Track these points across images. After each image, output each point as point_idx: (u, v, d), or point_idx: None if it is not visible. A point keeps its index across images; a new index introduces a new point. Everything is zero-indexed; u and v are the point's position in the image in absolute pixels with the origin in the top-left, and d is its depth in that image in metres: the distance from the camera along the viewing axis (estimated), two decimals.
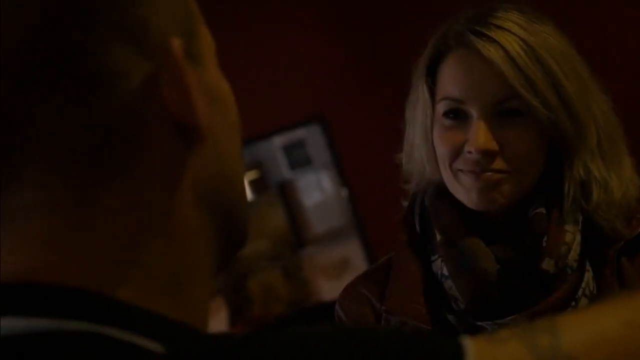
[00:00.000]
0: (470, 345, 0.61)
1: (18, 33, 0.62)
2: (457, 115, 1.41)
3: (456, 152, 1.40)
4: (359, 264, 5.56)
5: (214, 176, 0.73)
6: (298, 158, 8.22)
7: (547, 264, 1.39)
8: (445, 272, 1.44)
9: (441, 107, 1.42)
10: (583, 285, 1.41)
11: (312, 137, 6.04)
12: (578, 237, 1.42)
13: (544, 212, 1.41)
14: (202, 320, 0.71)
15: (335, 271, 5.73)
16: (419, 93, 1.47)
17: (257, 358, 0.59)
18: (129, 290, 0.65)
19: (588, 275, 1.43)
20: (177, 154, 0.69)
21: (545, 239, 1.40)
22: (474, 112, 1.38)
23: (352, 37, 5.98)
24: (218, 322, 6.17)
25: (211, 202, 0.72)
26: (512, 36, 1.35)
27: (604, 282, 1.41)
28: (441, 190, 1.47)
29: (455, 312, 1.44)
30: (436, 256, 1.46)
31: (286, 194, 10.24)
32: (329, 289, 5.50)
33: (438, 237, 1.45)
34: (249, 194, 10.30)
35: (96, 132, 0.65)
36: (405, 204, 1.56)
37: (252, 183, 11.04)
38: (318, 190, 6.54)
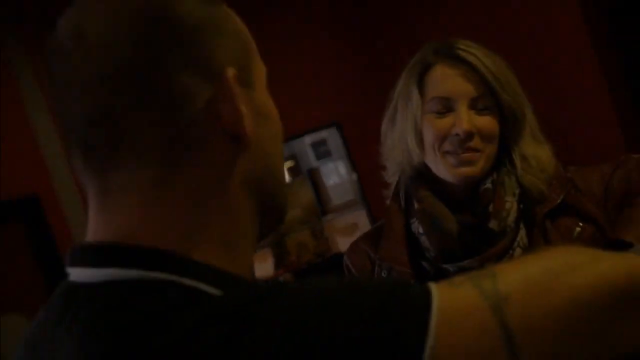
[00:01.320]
0: (435, 288, 0.60)
1: (121, 62, 0.65)
2: (445, 109, 1.38)
3: (443, 137, 1.38)
4: (365, 227, 5.82)
5: (258, 171, 0.73)
6: (322, 152, 8.47)
7: (493, 225, 1.39)
8: (421, 230, 1.43)
9: (431, 104, 1.40)
10: (518, 239, 1.41)
11: (331, 137, 6.33)
12: (515, 206, 1.41)
13: (490, 187, 1.40)
14: (247, 272, 0.70)
15: (348, 231, 5.94)
16: (411, 96, 1.43)
17: (283, 300, 0.58)
18: (196, 251, 0.66)
19: (522, 233, 1.41)
20: (229, 153, 0.70)
21: (491, 206, 1.40)
22: (458, 105, 1.37)
23: (361, 63, 6.16)
24: (267, 266, 6.57)
25: (255, 190, 0.72)
26: (481, 52, 1.38)
27: (533, 238, 1.40)
28: (419, 174, 1.45)
29: (428, 259, 1.43)
30: (414, 220, 1.45)
31: (313, 177, 10.51)
32: (343, 244, 5.83)
33: (416, 206, 1.44)
34: (287, 177, 10.20)
35: (172, 135, 0.66)
36: (390, 189, 1.54)
37: (289, 169, 11.13)
38: (336, 174, 6.86)
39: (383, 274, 1.45)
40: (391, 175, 1.54)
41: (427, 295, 0.60)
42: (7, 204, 4.71)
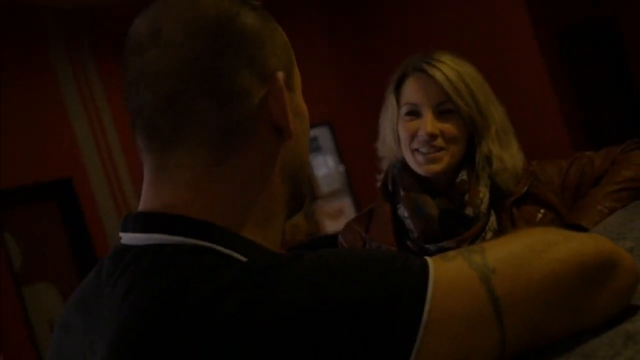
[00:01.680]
0: (430, 261, 0.61)
1: (191, 58, 0.67)
2: (414, 113, 1.40)
3: (412, 137, 1.39)
4: (349, 212, 5.93)
5: (294, 160, 0.74)
6: (313, 147, 8.42)
7: (469, 210, 1.38)
8: (406, 214, 1.42)
9: (404, 109, 1.41)
10: (489, 224, 1.40)
11: (322, 134, 6.29)
12: (487, 194, 1.40)
13: (466, 178, 1.40)
14: (277, 244, 0.72)
15: (334, 216, 6.01)
16: (389, 101, 1.46)
17: (301, 267, 0.58)
18: (236, 225, 0.67)
19: (492, 218, 1.40)
20: (274, 144, 0.71)
21: (467, 195, 1.39)
22: (424, 110, 1.38)
23: (350, 69, 6.19)
24: None
25: (290, 176, 0.74)
26: (448, 65, 1.38)
27: (501, 223, 1.40)
28: (404, 165, 1.45)
29: (412, 239, 1.43)
30: (400, 205, 1.44)
31: None
32: (331, 226, 5.92)
33: (402, 193, 1.44)
34: None
35: (228, 124, 0.67)
36: (381, 175, 1.53)
37: None
38: (325, 166, 6.81)
39: None
40: (385, 164, 1.53)
41: (425, 266, 0.60)
42: (44, 185, 4.76)
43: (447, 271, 0.60)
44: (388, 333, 0.56)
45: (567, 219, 1.32)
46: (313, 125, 4.84)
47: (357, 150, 5.70)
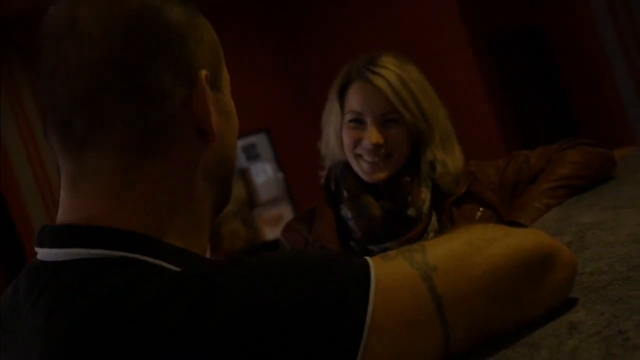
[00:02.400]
0: (371, 261, 0.60)
1: (110, 53, 0.62)
2: (358, 122, 1.39)
3: (357, 143, 1.39)
4: (289, 219, 5.78)
5: (219, 161, 0.72)
6: (252, 154, 8.38)
7: (411, 211, 1.38)
8: (349, 215, 1.41)
9: (348, 116, 1.40)
10: (431, 224, 1.40)
11: (260, 141, 6.28)
12: (429, 196, 1.41)
13: (409, 180, 1.40)
14: (203, 248, 0.70)
15: (273, 222, 5.98)
16: (333, 107, 1.44)
17: (237, 272, 0.57)
18: (161, 233, 0.64)
19: (434, 219, 1.41)
20: (196, 147, 0.68)
21: (409, 196, 1.39)
22: (368, 120, 1.37)
23: (288, 79, 6.23)
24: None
25: (215, 177, 0.72)
26: (392, 72, 1.36)
27: (442, 223, 1.39)
28: (346, 166, 1.44)
29: (355, 240, 1.42)
30: (343, 206, 1.43)
31: (245, 176, 10.40)
32: (270, 233, 5.91)
33: (345, 194, 1.43)
34: None
35: (148, 126, 0.64)
36: (324, 173, 1.51)
37: None
38: (264, 174, 6.78)
39: None
40: (327, 163, 1.52)
41: (366, 267, 0.59)
42: None
43: (388, 271, 0.59)
44: (332, 336, 0.54)
45: (506, 217, 1.33)
46: (252, 132, 4.92)
47: (296, 158, 5.78)
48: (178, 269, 0.59)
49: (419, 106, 1.37)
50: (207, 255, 0.71)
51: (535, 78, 5.59)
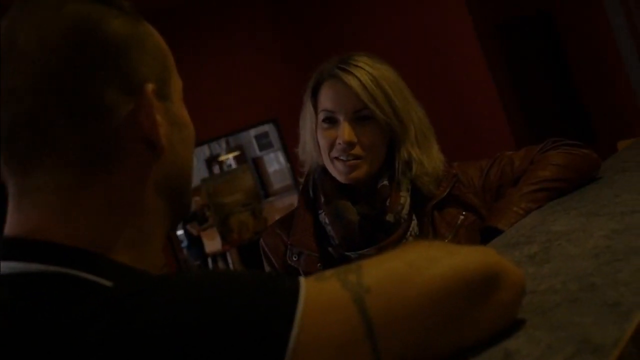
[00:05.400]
0: (303, 282, 0.58)
1: (50, 73, 0.62)
2: (331, 121, 1.36)
3: (331, 145, 1.36)
4: None
5: (172, 174, 0.71)
6: (264, 143, 8.41)
7: (389, 217, 1.35)
8: (327, 221, 1.39)
9: (321, 116, 1.38)
10: (410, 229, 1.37)
11: (272, 131, 6.27)
12: (408, 199, 1.38)
13: (387, 184, 1.38)
14: (157, 267, 0.68)
15: (286, 211, 5.88)
16: (307, 108, 1.43)
17: (165, 292, 0.55)
18: (106, 249, 0.63)
19: (413, 223, 1.38)
20: (145, 160, 0.67)
21: (388, 201, 1.36)
22: (340, 118, 1.35)
23: (297, 70, 6.11)
24: (215, 243, 6.61)
25: (167, 190, 0.70)
26: (363, 71, 1.34)
27: (423, 227, 1.37)
28: (324, 170, 1.42)
29: (333, 246, 1.39)
30: (321, 211, 1.41)
31: (257, 165, 10.47)
32: None
33: (322, 199, 1.40)
34: (234, 165, 10.23)
35: (93, 142, 0.63)
36: (303, 179, 1.50)
37: (236, 158, 11.09)
38: (276, 163, 6.66)
39: (294, 257, 1.41)
40: (306, 169, 1.49)
41: (295, 288, 0.57)
42: None
43: (319, 292, 0.58)
44: (253, 358, 0.52)
45: (484, 222, 1.31)
46: (260, 122, 4.88)
47: None
48: (110, 284, 0.57)
49: (392, 104, 1.35)
50: (162, 269, 0.71)
51: (543, 63, 5.48)
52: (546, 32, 5.57)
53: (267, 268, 1.49)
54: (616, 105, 5.43)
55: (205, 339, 0.52)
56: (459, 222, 1.37)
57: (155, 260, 0.69)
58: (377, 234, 1.36)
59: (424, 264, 0.61)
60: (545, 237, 1.01)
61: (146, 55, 0.68)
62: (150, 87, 0.66)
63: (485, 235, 1.26)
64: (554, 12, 5.62)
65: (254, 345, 0.53)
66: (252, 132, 10.17)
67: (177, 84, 0.73)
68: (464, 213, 1.38)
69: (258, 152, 9.69)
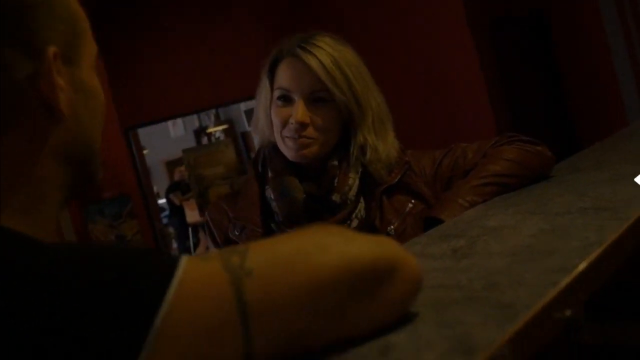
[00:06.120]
0: (185, 261, 0.57)
1: None
2: (286, 99, 1.35)
3: (284, 123, 1.35)
4: None
5: (73, 142, 0.69)
6: (252, 118, 8.30)
7: (336, 197, 1.35)
8: (272, 196, 1.39)
9: (276, 93, 1.36)
10: (356, 211, 1.36)
11: None
12: (357, 181, 1.37)
13: (336, 164, 1.37)
14: (49, 230, 0.68)
15: None
16: (263, 84, 1.40)
17: (45, 257, 0.54)
18: None
19: (361, 206, 1.37)
20: (44, 124, 0.66)
21: (336, 180, 1.36)
22: (296, 97, 1.33)
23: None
24: (195, 214, 6.65)
25: (68, 159, 0.69)
26: (324, 51, 1.33)
27: (370, 211, 1.37)
28: (275, 147, 1.42)
29: (277, 222, 1.40)
30: (268, 187, 1.41)
31: (245, 139, 10.38)
32: None
33: (270, 174, 1.41)
34: (222, 138, 10.18)
35: None
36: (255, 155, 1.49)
37: (224, 131, 11.03)
38: None
39: (236, 232, 1.40)
40: (257, 144, 1.48)
41: (173, 266, 0.55)
42: None
43: (198, 272, 0.55)
44: (113, 339, 0.50)
45: (429, 211, 1.30)
46: (251, 96, 4.89)
47: None
48: None
49: (351, 87, 1.33)
50: (56, 236, 0.67)
51: (534, 60, 5.51)
52: (538, 29, 5.58)
53: (210, 243, 1.47)
54: (601, 102, 5.45)
55: (65, 315, 0.50)
56: (407, 209, 1.35)
57: (47, 226, 0.67)
58: (322, 213, 1.35)
59: (313, 250, 0.59)
60: (476, 232, 0.99)
61: (53, 20, 0.66)
62: (52, 50, 0.64)
63: (428, 224, 1.24)
64: (546, 10, 5.63)
65: (115, 326, 0.50)
66: (242, 106, 10.13)
67: (89, 51, 0.71)
68: (412, 201, 1.36)
69: (247, 127, 9.65)
